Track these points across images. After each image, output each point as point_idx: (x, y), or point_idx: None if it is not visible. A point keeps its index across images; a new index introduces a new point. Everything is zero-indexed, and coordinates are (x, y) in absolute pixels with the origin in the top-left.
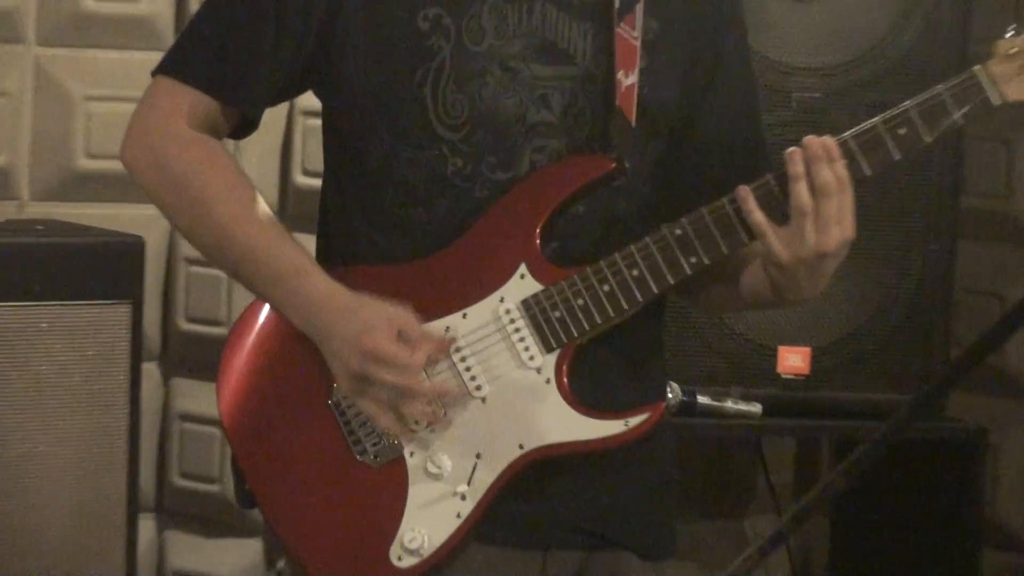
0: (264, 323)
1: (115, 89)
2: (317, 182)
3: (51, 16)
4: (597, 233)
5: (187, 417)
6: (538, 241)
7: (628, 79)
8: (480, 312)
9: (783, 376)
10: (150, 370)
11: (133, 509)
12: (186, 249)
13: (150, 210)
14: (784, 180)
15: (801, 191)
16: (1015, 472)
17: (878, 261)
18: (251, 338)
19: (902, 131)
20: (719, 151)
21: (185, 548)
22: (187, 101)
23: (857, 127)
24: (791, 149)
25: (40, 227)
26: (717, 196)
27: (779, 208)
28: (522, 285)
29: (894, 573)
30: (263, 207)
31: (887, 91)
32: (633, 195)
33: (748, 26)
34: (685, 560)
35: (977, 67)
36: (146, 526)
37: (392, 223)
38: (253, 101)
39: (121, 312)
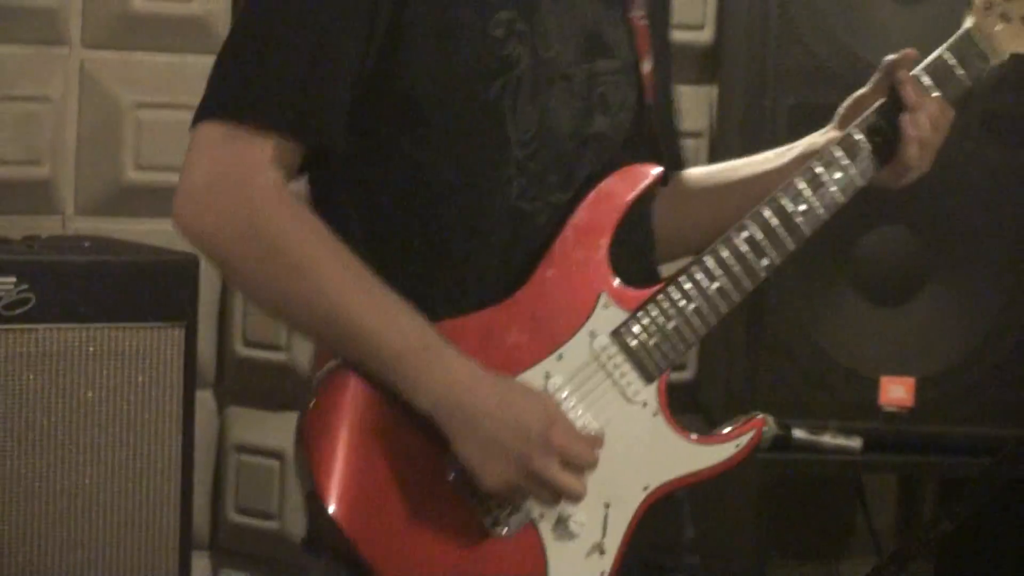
0: (356, 398)
1: (166, 96)
2: None
3: (97, 16)
4: (634, 239)
5: (244, 448)
6: (609, 266)
7: (646, 66)
8: (575, 351)
9: (885, 409)
10: (204, 398)
11: (186, 547)
12: None
13: None
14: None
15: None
16: None
17: (990, 278)
18: (347, 417)
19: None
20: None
21: None
22: (265, 150)
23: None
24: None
25: (86, 244)
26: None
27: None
28: (608, 315)
29: None
30: (369, 273)
31: (1002, 100)
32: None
33: (849, 27)
34: None
35: (969, 25)
36: (200, 565)
37: (459, 262)
38: (339, 134)
39: (173, 335)
